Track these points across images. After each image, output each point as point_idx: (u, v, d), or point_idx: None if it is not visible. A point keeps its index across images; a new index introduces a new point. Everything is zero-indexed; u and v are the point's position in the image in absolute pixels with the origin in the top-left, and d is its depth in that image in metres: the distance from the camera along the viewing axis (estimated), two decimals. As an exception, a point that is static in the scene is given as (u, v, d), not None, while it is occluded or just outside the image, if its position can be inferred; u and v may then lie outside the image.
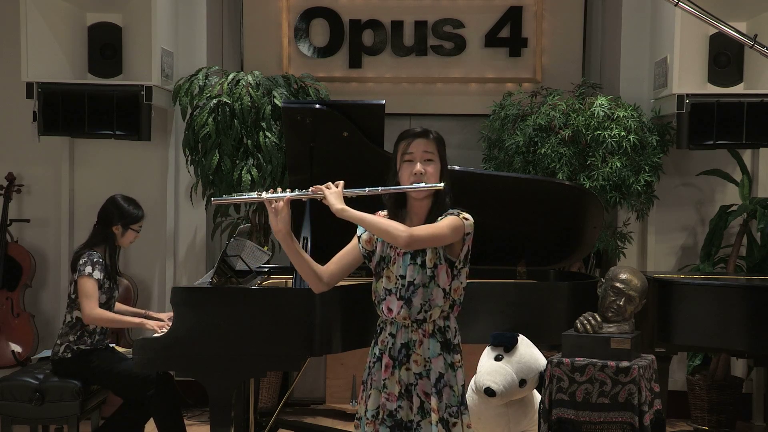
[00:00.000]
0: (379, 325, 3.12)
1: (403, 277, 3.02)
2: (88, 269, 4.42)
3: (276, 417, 4.83)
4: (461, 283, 3.06)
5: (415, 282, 3.00)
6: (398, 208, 3.08)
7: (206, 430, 4.54)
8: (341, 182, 2.99)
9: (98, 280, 4.44)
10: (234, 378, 3.95)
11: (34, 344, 5.77)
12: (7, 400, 4.44)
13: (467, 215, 3.03)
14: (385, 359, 3.04)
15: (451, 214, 3.02)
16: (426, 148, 3.02)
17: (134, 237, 4.65)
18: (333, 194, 2.95)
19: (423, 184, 2.99)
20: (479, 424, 4.22)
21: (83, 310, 4.42)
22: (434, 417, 2.99)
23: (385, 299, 3.04)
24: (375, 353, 3.08)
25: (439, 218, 3.01)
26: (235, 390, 4.16)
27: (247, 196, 3.04)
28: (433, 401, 3.00)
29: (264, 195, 2.95)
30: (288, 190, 3.00)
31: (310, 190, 3.00)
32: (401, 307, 3.01)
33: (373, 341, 3.14)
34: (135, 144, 5.77)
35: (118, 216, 4.57)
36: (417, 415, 3.02)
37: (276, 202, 2.94)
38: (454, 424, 3.02)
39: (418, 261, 3.01)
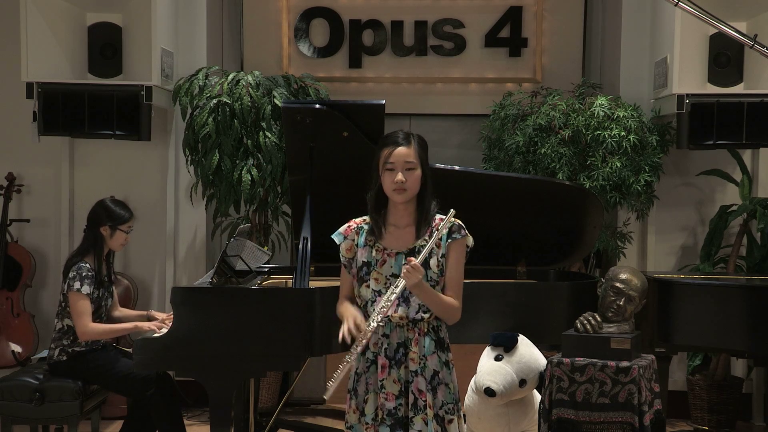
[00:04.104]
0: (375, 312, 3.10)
1: (395, 276, 3.05)
2: (77, 285, 4.39)
3: (276, 417, 4.83)
4: None
5: None
6: (378, 211, 3.12)
7: (206, 430, 4.54)
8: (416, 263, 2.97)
9: (88, 295, 4.41)
10: (234, 378, 3.96)
11: (34, 344, 5.77)
12: (7, 400, 4.43)
13: (467, 232, 3.10)
14: (381, 360, 3.06)
15: (456, 232, 3.07)
16: (407, 158, 3.06)
17: (124, 239, 4.59)
18: (416, 281, 2.97)
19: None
20: (479, 424, 4.22)
21: (77, 329, 4.41)
22: (430, 413, 3.02)
23: (375, 300, 3.06)
24: (368, 357, 3.09)
25: (441, 233, 3.05)
26: (235, 390, 4.16)
27: (345, 369, 2.97)
28: (428, 398, 3.03)
29: (354, 356, 2.97)
30: (376, 320, 2.98)
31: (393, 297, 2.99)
32: (398, 306, 3.05)
33: None
34: (135, 144, 5.77)
35: (106, 217, 4.54)
36: (411, 411, 3.05)
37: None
38: (450, 421, 3.06)
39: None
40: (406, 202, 3.10)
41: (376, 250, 3.10)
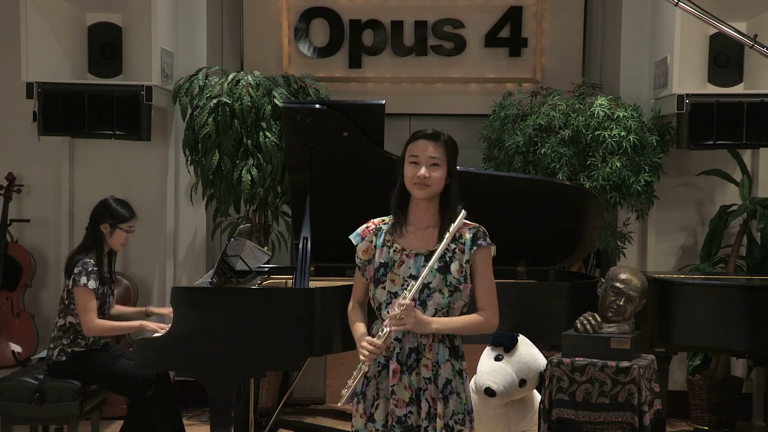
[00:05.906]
0: (378, 334, 3.02)
1: (414, 277, 2.97)
2: (83, 279, 4.39)
3: (276, 417, 4.83)
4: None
5: (430, 285, 2.95)
6: (401, 208, 3.04)
7: (206, 430, 4.54)
8: (408, 304, 2.91)
9: (94, 290, 4.42)
10: (234, 378, 3.95)
11: (34, 344, 5.77)
12: (6, 400, 4.43)
13: (490, 240, 3.03)
14: (393, 365, 2.97)
15: (481, 239, 3.00)
16: (432, 153, 2.97)
17: (125, 238, 4.59)
18: (413, 322, 2.91)
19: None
20: (479, 424, 4.21)
21: (83, 324, 4.42)
22: (439, 423, 2.95)
23: (391, 302, 2.96)
24: (379, 361, 2.99)
25: (465, 242, 2.99)
26: (235, 390, 4.16)
27: (361, 374, 2.95)
28: (439, 407, 2.96)
29: (369, 360, 2.94)
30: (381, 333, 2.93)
31: (390, 328, 2.93)
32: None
33: None
34: (135, 144, 5.77)
35: (106, 215, 4.55)
36: (425, 420, 2.96)
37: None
38: None
39: (436, 266, 2.95)
40: (428, 202, 3.00)
41: (394, 251, 3.01)
